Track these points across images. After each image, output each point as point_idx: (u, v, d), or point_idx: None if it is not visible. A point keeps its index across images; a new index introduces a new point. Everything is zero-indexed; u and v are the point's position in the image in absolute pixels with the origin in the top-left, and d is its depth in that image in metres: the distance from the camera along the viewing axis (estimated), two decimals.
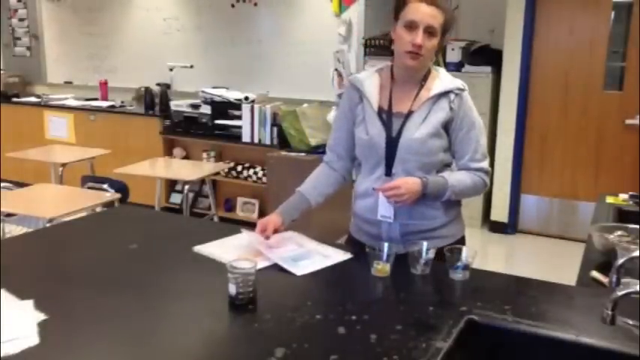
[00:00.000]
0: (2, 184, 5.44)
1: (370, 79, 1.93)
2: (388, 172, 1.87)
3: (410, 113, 1.86)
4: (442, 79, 1.88)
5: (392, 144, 1.85)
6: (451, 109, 1.85)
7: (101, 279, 1.65)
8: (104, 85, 6.18)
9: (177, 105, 5.19)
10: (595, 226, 2.03)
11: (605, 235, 1.93)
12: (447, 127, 1.86)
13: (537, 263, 4.54)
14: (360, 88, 1.92)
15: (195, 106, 5.08)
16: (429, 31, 1.76)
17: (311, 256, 1.79)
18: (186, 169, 4.52)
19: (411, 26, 1.77)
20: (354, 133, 1.94)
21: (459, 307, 1.47)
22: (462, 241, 1.97)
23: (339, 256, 1.81)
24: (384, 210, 1.87)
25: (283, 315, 1.43)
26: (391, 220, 1.87)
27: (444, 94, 1.85)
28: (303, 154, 4.36)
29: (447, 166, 1.92)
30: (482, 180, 1.90)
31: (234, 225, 2.19)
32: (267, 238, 1.87)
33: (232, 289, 1.46)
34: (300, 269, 1.69)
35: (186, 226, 2.30)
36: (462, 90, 1.87)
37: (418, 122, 1.84)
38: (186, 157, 5.35)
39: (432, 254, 1.69)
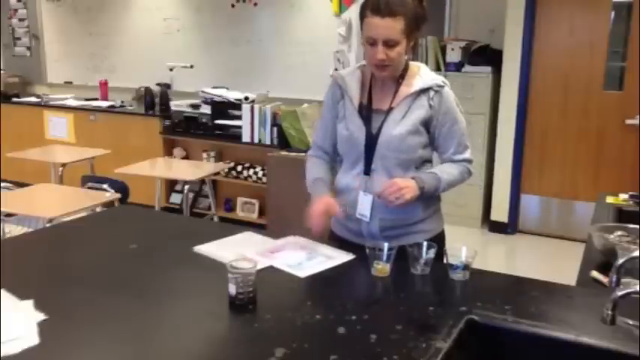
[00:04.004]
0: (2, 184, 5.44)
1: (352, 76, 1.95)
2: (367, 169, 1.89)
3: (390, 110, 1.87)
4: (422, 76, 1.89)
5: (371, 140, 1.87)
6: (430, 106, 1.86)
7: (101, 279, 1.65)
8: (104, 85, 6.18)
9: (177, 105, 5.19)
10: (595, 226, 2.03)
11: (605, 235, 1.93)
12: (426, 124, 1.88)
13: (537, 263, 4.53)
14: (341, 85, 1.94)
15: (195, 106, 5.08)
16: (390, 44, 1.76)
17: (314, 258, 1.79)
18: (186, 169, 4.52)
19: (371, 42, 1.77)
20: (337, 128, 1.97)
21: (459, 307, 1.47)
22: (441, 235, 1.99)
23: (342, 257, 1.81)
24: (362, 209, 1.90)
25: (283, 315, 1.43)
26: (367, 219, 1.89)
27: (424, 90, 1.86)
28: (303, 154, 4.36)
29: (426, 162, 1.94)
30: (467, 169, 1.95)
31: (234, 225, 2.19)
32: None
33: (232, 289, 1.46)
34: (304, 271, 1.69)
35: (186, 226, 2.30)
36: (442, 87, 1.88)
37: (398, 119, 1.86)
38: (186, 157, 5.35)
39: (432, 254, 1.69)
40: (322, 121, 2.04)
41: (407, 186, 1.79)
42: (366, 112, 1.90)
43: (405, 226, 1.90)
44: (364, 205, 1.90)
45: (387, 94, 1.90)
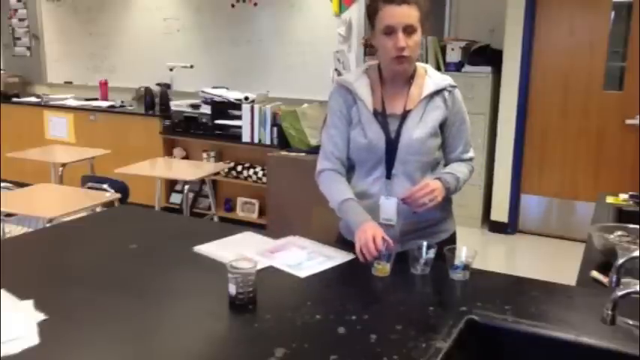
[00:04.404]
0: (2, 184, 5.44)
1: (360, 81, 1.90)
2: (388, 174, 1.87)
3: (406, 113, 1.86)
4: (432, 77, 1.89)
5: (391, 146, 1.85)
6: (447, 106, 1.87)
7: (101, 279, 1.65)
8: (104, 85, 6.18)
9: (177, 105, 5.19)
10: (595, 226, 2.03)
11: (605, 235, 1.93)
12: (442, 125, 1.88)
13: (537, 263, 4.53)
14: (352, 90, 1.89)
15: (195, 106, 5.08)
16: (408, 31, 1.75)
17: (314, 258, 1.79)
18: (186, 169, 4.52)
19: (390, 31, 1.75)
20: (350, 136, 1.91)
21: (459, 307, 1.47)
22: (454, 236, 1.99)
23: (342, 257, 1.81)
24: (386, 213, 1.86)
25: (283, 315, 1.43)
26: (394, 223, 1.86)
27: (438, 92, 1.86)
28: (303, 154, 4.36)
29: (439, 163, 1.94)
30: (472, 167, 1.98)
31: (234, 225, 2.18)
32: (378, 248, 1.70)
33: (232, 289, 1.46)
34: (304, 271, 1.69)
35: (187, 226, 2.30)
36: (454, 87, 1.89)
37: (416, 122, 1.85)
38: (186, 157, 5.35)
39: (432, 254, 1.69)
40: (336, 131, 1.91)
41: (437, 187, 1.79)
42: (381, 117, 1.87)
43: (423, 228, 1.89)
44: (388, 210, 1.86)
45: (399, 97, 1.88)
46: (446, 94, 1.87)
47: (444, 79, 1.89)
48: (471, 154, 1.97)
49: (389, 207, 1.86)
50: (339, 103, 1.92)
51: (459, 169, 1.91)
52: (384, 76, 1.90)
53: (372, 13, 1.79)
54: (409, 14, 1.74)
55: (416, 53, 1.82)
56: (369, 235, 1.70)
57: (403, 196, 1.80)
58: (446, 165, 1.95)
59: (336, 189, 1.90)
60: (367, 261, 1.70)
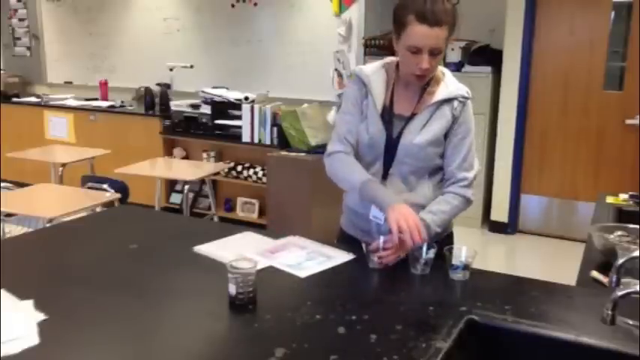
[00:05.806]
0: (2, 184, 5.44)
1: (377, 76, 1.89)
2: (385, 174, 1.87)
3: (412, 117, 1.84)
4: (447, 84, 1.85)
5: (391, 146, 1.85)
6: (453, 116, 1.83)
7: (101, 279, 1.65)
8: (104, 85, 6.18)
9: (177, 105, 5.19)
10: (595, 226, 2.03)
11: (605, 235, 1.93)
12: (445, 134, 1.85)
13: (537, 263, 4.54)
14: (367, 84, 1.88)
15: (195, 106, 5.08)
16: (434, 53, 1.71)
17: (314, 258, 1.79)
18: (186, 169, 4.52)
19: (415, 51, 1.71)
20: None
21: (459, 307, 1.47)
22: (450, 236, 1.97)
23: (341, 256, 1.81)
24: (377, 212, 1.85)
25: (283, 315, 1.43)
26: (382, 221, 1.85)
27: (448, 100, 1.83)
28: (303, 154, 4.36)
29: (439, 169, 1.90)
30: (463, 199, 1.85)
31: (234, 225, 2.18)
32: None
33: (232, 289, 1.46)
34: (304, 271, 1.69)
35: (186, 226, 2.29)
36: (467, 98, 1.85)
37: (419, 127, 1.83)
38: (186, 157, 5.35)
39: (432, 254, 1.69)
40: (351, 117, 1.91)
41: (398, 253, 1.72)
42: (387, 115, 1.86)
43: None
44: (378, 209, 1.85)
45: (411, 99, 1.86)
46: (455, 103, 1.83)
47: (458, 89, 1.84)
48: (467, 174, 1.85)
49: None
50: (354, 92, 1.92)
51: (438, 208, 1.82)
52: (400, 77, 1.87)
53: (399, 23, 1.73)
54: (439, 37, 1.69)
55: (435, 70, 1.81)
56: (413, 223, 1.66)
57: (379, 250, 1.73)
58: (445, 175, 1.90)
59: (354, 170, 1.86)
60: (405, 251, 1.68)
